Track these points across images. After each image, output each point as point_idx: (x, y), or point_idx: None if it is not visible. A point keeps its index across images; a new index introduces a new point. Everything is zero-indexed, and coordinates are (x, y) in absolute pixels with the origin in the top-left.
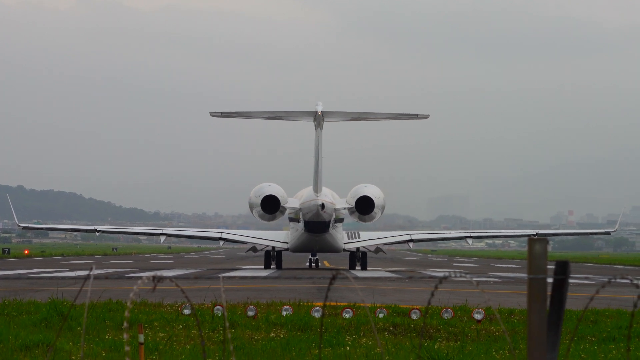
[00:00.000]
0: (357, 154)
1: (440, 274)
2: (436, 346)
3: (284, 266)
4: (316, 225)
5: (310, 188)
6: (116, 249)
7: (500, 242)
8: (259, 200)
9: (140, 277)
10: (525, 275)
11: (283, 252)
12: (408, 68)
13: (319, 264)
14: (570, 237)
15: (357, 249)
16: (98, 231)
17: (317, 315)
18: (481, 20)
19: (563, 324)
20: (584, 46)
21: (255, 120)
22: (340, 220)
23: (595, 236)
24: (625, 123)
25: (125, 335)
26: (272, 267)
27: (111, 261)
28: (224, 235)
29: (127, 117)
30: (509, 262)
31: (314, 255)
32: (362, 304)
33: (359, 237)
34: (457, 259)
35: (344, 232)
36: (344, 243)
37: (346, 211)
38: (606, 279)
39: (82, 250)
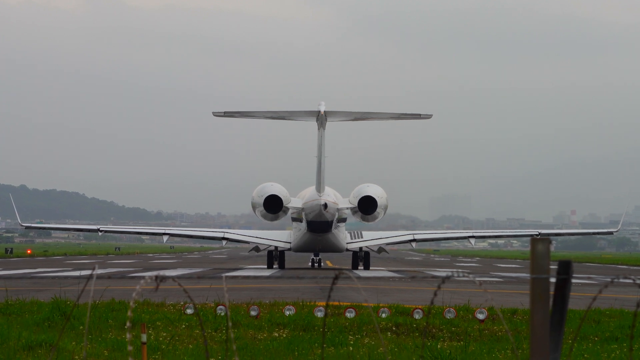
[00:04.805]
0: (360, 154)
1: (443, 274)
2: (439, 346)
3: (286, 266)
4: (319, 225)
5: (313, 188)
6: (119, 248)
7: (503, 242)
8: (261, 200)
9: (143, 277)
10: (528, 275)
11: (286, 251)
12: (411, 67)
13: (322, 264)
14: (572, 237)
15: (360, 248)
16: (101, 231)
17: (319, 315)
18: (485, 20)
19: (566, 323)
20: (588, 45)
21: (258, 120)
22: (343, 220)
23: (597, 236)
24: (628, 122)
25: (128, 335)
26: (274, 266)
27: (114, 261)
28: (226, 235)
29: (130, 116)
30: (512, 262)
31: (316, 255)
32: (364, 304)
33: (362, 237)
34: (460, 259)
35: (346, 232)
36: (347, 243)
37: (349, 211)
38: (609, 279)
39: (85, 249)
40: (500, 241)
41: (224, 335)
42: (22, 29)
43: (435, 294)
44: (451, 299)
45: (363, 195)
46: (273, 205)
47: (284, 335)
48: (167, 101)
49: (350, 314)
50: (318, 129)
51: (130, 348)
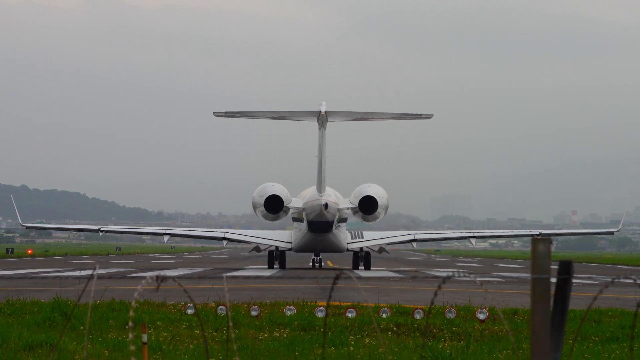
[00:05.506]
0: (361, 154)
1: (444, 274)
2: (440, 346)
3: (287, 266)
4: (319, 225)
5: (314, 188)
6: (119, 248)
7: (504, 242)
8: (262, 200)
9: (144, 277)
10: (529, 275)
11: (286, 252)
12: (412, 67)
13: (323, 264)
14: (573, 237)
15: (361, 248)
16: (101, 231)
17: (320, 315)
18: (485, 20)
19: (566, 323)
20: (588, 45)
21: (258, 120)
22: (344, 220)
23: (598, 236)
24: (628, 122)
25: (129, 335)
26: (275, 267)
27: (114, 261)
28: (227, 235)
29: (131, 116)
30: (513, 262)
31: (317, 255)
32: (365, 304)
33: (363, 237)
34: (461, 259)
35: (347, 232)
36: (348, 243)
37: (349, 211)
38: (609, 279)
39: (86, 249)
40: (501, 241)
41: (224, 335)
42: (22, 29)
43: (435, 294)
44: (452, 299)
45: (364, 195)
46: (274, 205)
47: (285, 336)
48: (167, 101)
49: (351, 314)
50: (319, 129)
51: (132, 348)
